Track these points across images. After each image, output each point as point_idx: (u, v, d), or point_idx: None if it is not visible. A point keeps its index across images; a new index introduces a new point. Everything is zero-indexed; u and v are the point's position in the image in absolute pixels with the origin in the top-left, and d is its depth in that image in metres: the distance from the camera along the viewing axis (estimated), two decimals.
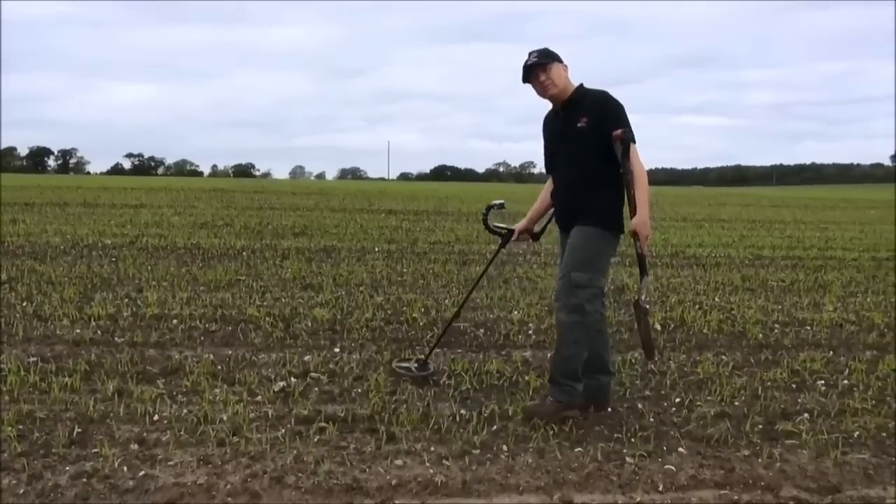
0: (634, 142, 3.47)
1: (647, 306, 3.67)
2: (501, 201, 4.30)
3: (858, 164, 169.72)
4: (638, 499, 2.83)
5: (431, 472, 3.00)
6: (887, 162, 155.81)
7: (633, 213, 3.47)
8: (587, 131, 3.50)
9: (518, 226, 4.03)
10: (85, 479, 2.85)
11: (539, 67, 3.58)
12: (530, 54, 3.62)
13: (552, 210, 3.88)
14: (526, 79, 3.65)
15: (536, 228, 4.03)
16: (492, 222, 4.16)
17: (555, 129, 3.70)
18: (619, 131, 3.42)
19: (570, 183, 3.64)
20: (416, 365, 4.23)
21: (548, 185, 3.88)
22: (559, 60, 3.62)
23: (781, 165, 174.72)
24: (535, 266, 8.99)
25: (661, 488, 2.94)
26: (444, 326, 4.27)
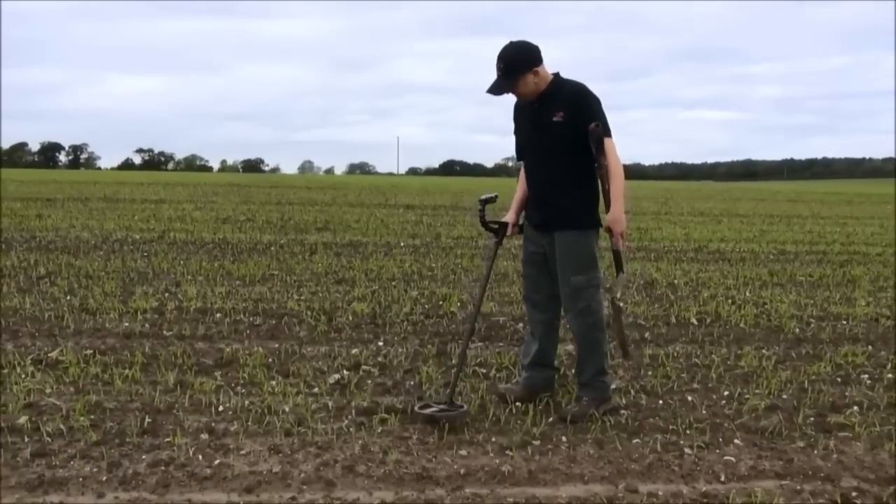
0: (610, 136, 3.42)
1: (622, 304, 3.66)
2: (494, 194, 3.86)
3: (870, 159, 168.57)
4: (703, 488, 2.89)
5: (497, 461, 3.07)
6: None
7: (607, 208, 3.45)
8: (562, 126, 3.43)
9: (510, 219, 3.82)
10: (163, 468, 2.93)
11: (504, 92, 3.49)
12: (497, 65, 3.45)
13: (528, 202, 3.77)
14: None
15: (521, 220, 3.85)
16: (488, 218, 3.81)
17: (527, 119, 3.60)
18: (593, 125, 3.35)
19: (543, 179, 3.59)
20: (444, 405, 3.53)
21: (523, 175, 3.77)
22: (526, 69, 3.43)
23: (792, 160, 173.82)
24: None
25: (722, 478, 3.00)
26: (459, 359, 3.78)
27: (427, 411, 3.47)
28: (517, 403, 3.69)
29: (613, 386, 3.88)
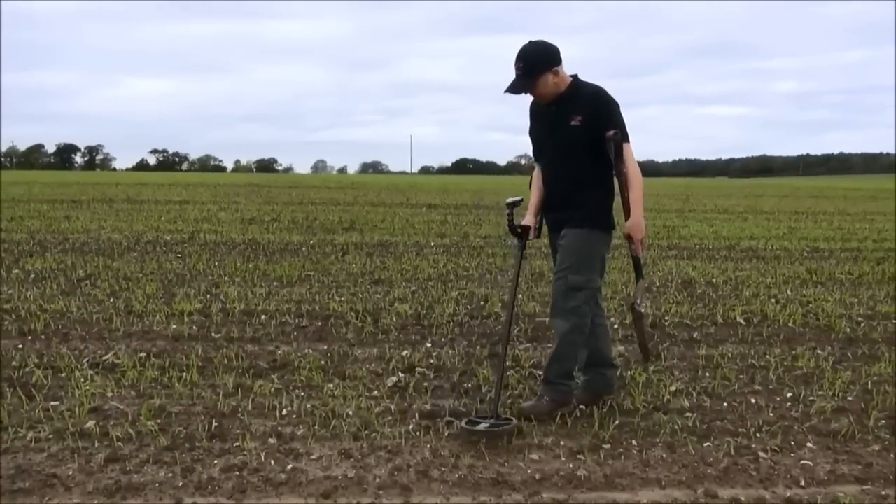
0: (628, 141, 3.37)
1: (642, 310, 3.60)
2: (520, 198, 3.76)
3: (887, 154, 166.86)
4: (787, 494, 2.84)
5: (570, 466, 3.04)
6: None
7: (626, 214, 3.39)
8: (580, 130, 3.39)
9: (529, 223, 3.69)
10: (237, 473, 2.92)
11: (524, 92, 3.45)
12: (516, 64, 3.41)
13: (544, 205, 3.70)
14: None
15: (537, 223, 3.75)
16: (516, 221, 3.69)
17: (544, 121, 3.55)
18: (611, 132, 3.31)
19: (559, 182, 3.54)
20: (492, 420, 3.33)
21: (537, 175, 3.71)
22: (547, 68, 3.39)
23: (808, 155, 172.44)
24: None
25: (802, 483, 2.94)
26: (499, 374, 3.48)
27: (476, 427, 3.25)
28: (581, 406, 3.65)
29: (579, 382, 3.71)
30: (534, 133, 3.67)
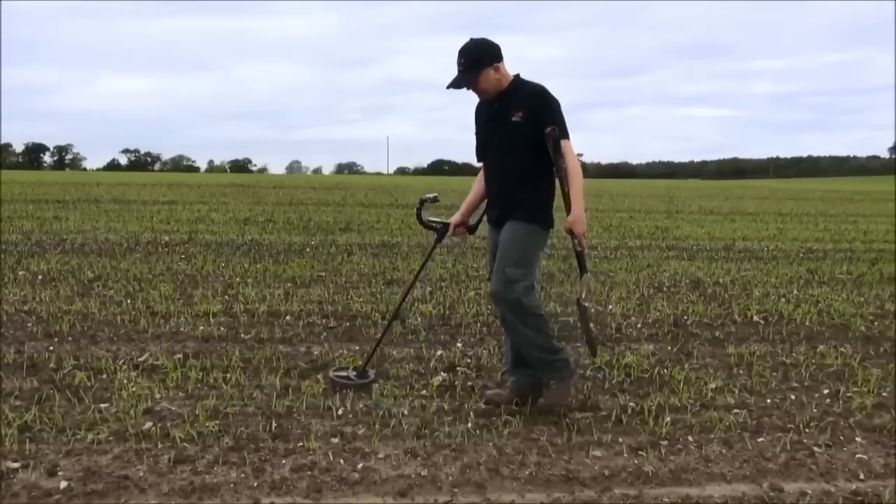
0: (567, 138, 3.44)
1: (587, 304, 3.67)
2: (434, 194, 4.05)
3: (855, 157, 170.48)
4: (852, 487, 2.92)
5: (635, 462, 3.09)
6: (884, 154, 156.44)
7: (567, 209, 3.44)
8: (521, 126, 3.46)
9: (453, 219, 3.89)
10: (309, 472, 2.92)
11: (466, 86, 3.51)
12: (458, 60, 3.49)
13: (486, 202, 3.79)
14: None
15: (471, 221, 3.90)
16: (425, 217, 3.97)
17: (487, 119, 3.63)
18: (549, 129, 3.38)
19: (500, 178, 3.60)
20: (354, 373, 4.01)
21: (480, 176, 3.80)
22: (488, 62, 3.47)
23: (778, 158, 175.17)
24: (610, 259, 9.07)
25: (861, 476, 3.03)
26: (383, 331, 4.24)
27: (339, 374, 3.98)
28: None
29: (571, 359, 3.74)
30: (478, 132, 3.73)
